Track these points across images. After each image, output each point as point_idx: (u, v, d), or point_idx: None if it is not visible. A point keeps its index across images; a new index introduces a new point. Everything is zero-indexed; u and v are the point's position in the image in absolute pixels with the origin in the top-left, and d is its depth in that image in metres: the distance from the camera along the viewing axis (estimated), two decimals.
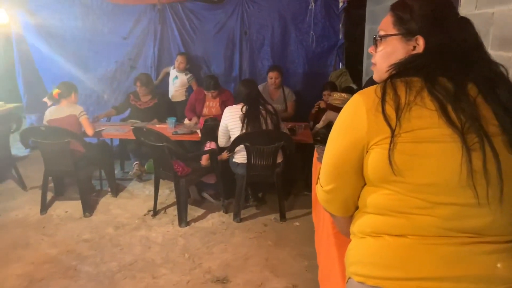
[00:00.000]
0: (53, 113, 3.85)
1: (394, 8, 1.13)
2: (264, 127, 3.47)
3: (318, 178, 1.19)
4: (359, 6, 5.17)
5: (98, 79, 5.30)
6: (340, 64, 5.17)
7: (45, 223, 3.65)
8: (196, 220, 3.69)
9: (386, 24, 1.13)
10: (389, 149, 0.96)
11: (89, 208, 3.82)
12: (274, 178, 3.60)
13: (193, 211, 3.82)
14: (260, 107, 3.52)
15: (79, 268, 2.95)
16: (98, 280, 2.82)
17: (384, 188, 1.02)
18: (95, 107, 5.31)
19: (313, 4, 5.04)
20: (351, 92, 4.20)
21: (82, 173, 3.84)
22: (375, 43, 1.16)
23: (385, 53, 1.12)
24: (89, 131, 3.92)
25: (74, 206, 3.92)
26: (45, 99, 3.95)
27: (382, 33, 1.14)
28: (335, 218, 1.23)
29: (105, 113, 4.77)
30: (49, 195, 4.02)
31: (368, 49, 1.21)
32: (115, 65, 5.34)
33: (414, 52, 1.07)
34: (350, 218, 1.18)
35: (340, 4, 4.99)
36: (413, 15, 1.07)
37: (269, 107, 3.58)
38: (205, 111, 4.45)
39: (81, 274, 2.88)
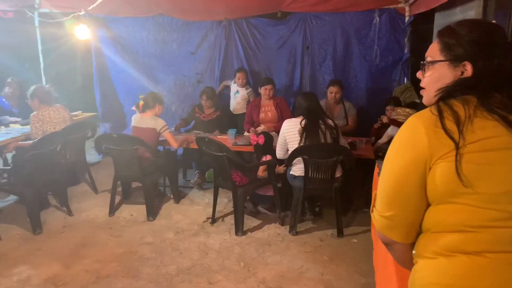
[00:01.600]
0: (137, 121, 4.12)
1: (440, 34, 1.13)
2: (322, 141, 3.45)
3: (373, 204, 1.15)
4: (427, 21, 5.00)
5: (167, 92, 5.60)
6: (405, 79, 5.01)
7: (112, 224, 3.89)
8: (252, 230, 3.73)
9: (433, 51, 1.13)
10: (456, 161, 0.94)
11: (152, 213, 4.01)
12: (332, 193, 3.55)
13: (250, 221, 3.87)
14: (320, 121, 3.51)
15: (140, 269, 3.11)
16: (157, 281, 2.94)
17: (454, 204, 0.98)
18: (163, 118, 5.59)
19: (377, 19, 4.97)
20: (415, 107, 4.06)
21: (149, 179, 4.05)
22: (423, 68, 1.16)
23: (433, 78, 1.12)
24: (174, 144, 4.14)
25: (139, 210, 4.14)
26: (134, 107, 4.23)
27: (429, 59, 1.14)
28: (391, 247, 1.15)
29: (178, 124, 4.97)
30: (117, 199, 4.28)
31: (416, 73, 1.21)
32: (183, 78, 5.64)
33: (463, 76, 1.06)
34: (410, 246, 1.11)
35: (406, 18, 4.87)
36: (460, 41, 1.06)
37: (329, 121, 3.55)
38: (262, 116, 4.62)
39: (142, 275, 3.02)
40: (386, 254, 1.95)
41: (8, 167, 4.27)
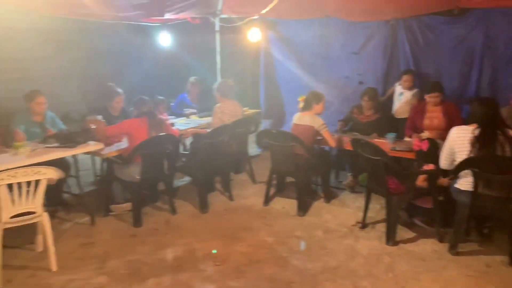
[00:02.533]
0: (297, 118, 4.32)
1: None
2: (499, 153, 3.00)
3: None
4: None
5: (328, 92, 5.65)
6: None
7: (266, 213, 4.16)
8: (405, 242, 3.50)
9: None
10: None
11: (303, 208, 4.13)
12: (508, 215, 3.07)
13: (403, 232, 3.65)
14: (498, 131, 3.05)
15: (288, 260, 3.24)
16: (302, 275, 3.02)
17: None
18: (323, 117, 5.70)
19: None
20: None
21: (302, 176, 4.18)
22: None
23: None
24: (331, 143, 4.23)
25: (290, 204, 4.32)
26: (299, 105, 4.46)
27: None
28: None
29: (339, 126, 4.98)
30: (272, 191, 4.55)
31: None
32: (345, 79, 5.62)
33: None
34: None
35: None
36: None
37: (510, 132, 3.07)
38: (427, 122, 4.21)
39: (289, 266, 3.15)
40: None
41: (187, 152, 4.95)
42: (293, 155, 4.07)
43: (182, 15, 5.72)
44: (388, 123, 4.76)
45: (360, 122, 4.81)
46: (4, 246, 2.94)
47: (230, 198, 4.54)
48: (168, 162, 4.12)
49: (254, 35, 5.96)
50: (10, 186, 2.79)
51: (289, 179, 4.73)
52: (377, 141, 4.20)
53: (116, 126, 3.96)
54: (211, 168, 4.42)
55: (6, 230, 2.89)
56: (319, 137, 4.29)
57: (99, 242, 3.58)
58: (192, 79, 6.04)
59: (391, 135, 4.14)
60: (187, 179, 5.11)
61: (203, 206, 4.22)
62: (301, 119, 4.26)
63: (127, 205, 4.07)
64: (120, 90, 4.75)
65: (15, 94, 4.20)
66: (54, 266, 3.09)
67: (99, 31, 7.57)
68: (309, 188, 4.62)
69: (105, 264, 3.19)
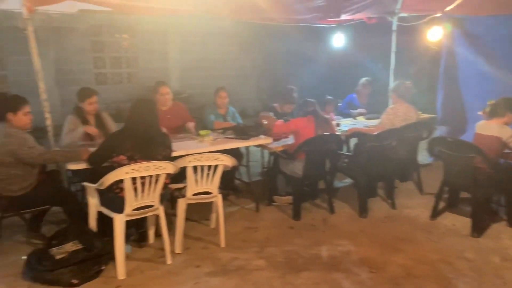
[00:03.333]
0: (481, 127, 3.82)
1: None
2: None
3: None
4: None
5: None
6: None
7: (432, 228, 3.81)
8: None
9: None
10: None
11: (478, 229, 3.64)
12: None
13: None
14: None
15: (454, 282, 2.91)
16: None
17: None
18: None
19: None
20: None
21: (481, 192, 3.68)
22: None
23: None
24: None
25: (462, 222, 3.85)
26: (481, 112, 3.96)
27: None
28: None
29: None
30: (441, 204, 4.13)
31: None
32: None
33: None
34: None
35: None
36: None
37: None
38: None
39: None
40: None
41: (350, 153, 4.90)
42: (472, 168, 3.61)
43: (358, 16, 5.67)
44: None
45: None
46: (187, 219, 3.46)
47: (393, 206, 4.31)
48: (330, 162, 4.16)
49: (434, 34, 5.49)
50: (195, 168, 3.25)
51: (464, 194, 4.22)
52: None
53: (284, 125, 4.17)
54: (374, 173, 4.28)
55: (188, 205, 3.39)
56: (507, 151, 3.70)
57: (261, 228, 3.86)
58: (363, 80, 5.94)
59: None
60: (348, 180, 5.07)
61: (363, 210, 4.12)
62: (486, 128, 3.74)
63: (288, 198, 4.27)
64: (295, 95, 4.97)
65: (206, 90, 4.85)
66: (222, 243, 3.48)
67: (275, 34, 8.11)
68: (489, 207, 4.03)
69: (264, 249, 3.43)
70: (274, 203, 4.39)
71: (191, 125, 4.40)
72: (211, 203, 3.59)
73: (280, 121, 4.27)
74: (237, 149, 4.29)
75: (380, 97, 5.83)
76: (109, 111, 4.80)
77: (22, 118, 3.11)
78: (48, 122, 3.68)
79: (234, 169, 4.36)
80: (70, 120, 3.82)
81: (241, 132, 4.17)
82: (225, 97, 4.67)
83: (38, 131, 3.49)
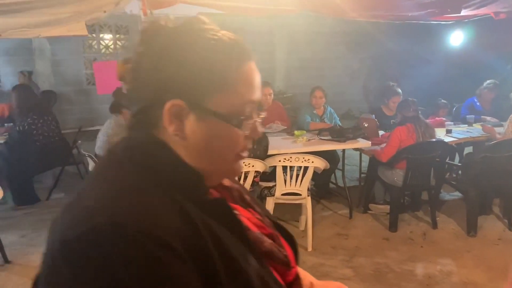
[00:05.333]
0: None
1: None
2: None
3: None
4: None
5: None
6: None
7: None
8: None
9: None
10: None
11: None
12: None
13: None
14: None
15: None
16: None
17: None
18: None
19: None
20: None
21: None
22: None
23: None
24: None
25: None
26: None
27: None
28: None
29: None
30: None
31: None
32: None
33: None
34: None
35: None
36: None
37: None
38: None
39: None
40: None
41: (459, 164, 4.42)
42: None
43: (483, 10, 5.06)
44: None
45: None
46: (277, 217, 3.46)
47: (510, 226, 3.77)
48: (436, 172, 3.79)
49: None
50: (285, 168, 3.24)
51: None
52: None
53: (389, 147, 3.72)
54: (487, 187, 3.78)
55: (280, 205, 3.39)
56: None
57: (353, 236, 3.69)
58: (489, 82, 5.25)
59: None
60: (457, 193, 4.57)
61: (471, 228, 3.67)
62: None
63: (385, 207, 4.01)
64: (399, 90, 4.68)
65: (309, 90, 4.80)
66: (310, 246, 3.41)
67: (385, 32, 7.68)
68: None
69: (353, 259, 3.27)
70: (369, 211, 4.16)
71: (276, 124, 4.43)
72: (300, 204, 3.55)
73: (382, 145, 3.94)
74: (333, 151, 4.16)
75: (503, 102, 5.13)
76: None
77: None
78: None
79: (328, 172, 4.24)
80: None
81: (338, 134, 4.03)
82: (321, 97, 4.56)
83: None
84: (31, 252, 3.35)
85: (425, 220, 3.96)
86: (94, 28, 8.52)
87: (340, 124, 4.61)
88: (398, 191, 3.80)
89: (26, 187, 4.42)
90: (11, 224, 3.93)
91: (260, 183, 3.37)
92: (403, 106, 3.87)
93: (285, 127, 4.52)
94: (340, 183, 4.52)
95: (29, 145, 4.26)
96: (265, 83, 4.55)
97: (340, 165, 4.40)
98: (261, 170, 3.05)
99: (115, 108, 3.46)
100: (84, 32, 3.94)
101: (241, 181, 3.02)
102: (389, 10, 4.55)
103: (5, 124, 5.03)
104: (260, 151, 3.20)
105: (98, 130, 3.93)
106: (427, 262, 3.20)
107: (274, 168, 3.23)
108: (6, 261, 3.17)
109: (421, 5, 4.50)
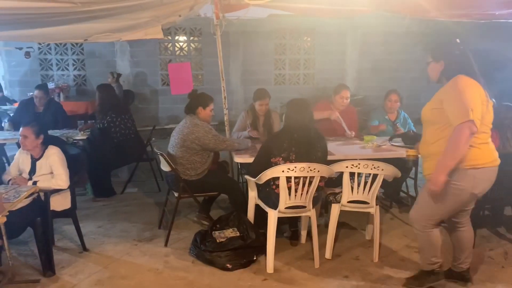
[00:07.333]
0: None
1: None
2: None
3: None
4: None
5: None
6: None
7: None
8: None
9: None
10: None
11: None
12: None
13: None
14: None
15: None
16: None
17: None
18: None
19: None
20: None
21: None
22: None
23: None
24: None
25: None
26: None
27: None
28: None
29: None
30: None
31: None
32: None
33: None
34: None
35: None
36: None
37: None
38: None
39: None
40: None
41: None
42: None
43: None
44: None
45: None
46: (344, 225, 3.44)
47: None
48: None
49: None
50: (352, 175, 3.12)
51: None
52: None
53: None
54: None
55: (346, 212, 3.28)
56: None
57: None
58: None
59: None
60: None
61: None
62: None
63: None
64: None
65: (382, 93, 4.60)
66: (376, 257, 3.26)
67: (467, 32, 7.11)
68: None
69: None
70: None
71: (349, 134, 4.22)
72: (368, 213, 3.40)
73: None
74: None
75: None
76: (282, 110, 5.07)
77: (208, 113, 3.64)
78: (226, 118, 4.20)
79: (400, 180, 4.02)
80: (241, 117, 4.20)
81: (411, 141, 3.80)
82: (396, 101, 4.33)
83: (221, 124, 3.98)
84: (106, 242, 3.57)
85: (508, 238, 3.60)
86: (170, 31, 8.94)
87: (414, 130, 4.36)
88: (477, 204, 3.48)
89: (104, 180, 4.75)
90: (90, 214, 4.23)
91: (325, 188, 3.28)
92: (500, 112, 3.52)
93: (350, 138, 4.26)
94: (412, 193, 4.27)
95: (108, 142, 4.57)
96: (344, 86, 4.43)
97: (412, 173, 4.16)
98: (326, 175, 2.97)
99: (191, 109, 3.60)
100: (160, 35, 4.13)
101: (306, 186, 2.96)
102: (476, 9, 4.20)
103: (88, 121, 5.44)
104: (320, 153, 3.09)
105: (171, 129, 4.12)
106: (508, 285, 2.91)
107: (340, 172, 3.12)
108: (85, 249, 3.41)
109: (508, 3, 4.11)
